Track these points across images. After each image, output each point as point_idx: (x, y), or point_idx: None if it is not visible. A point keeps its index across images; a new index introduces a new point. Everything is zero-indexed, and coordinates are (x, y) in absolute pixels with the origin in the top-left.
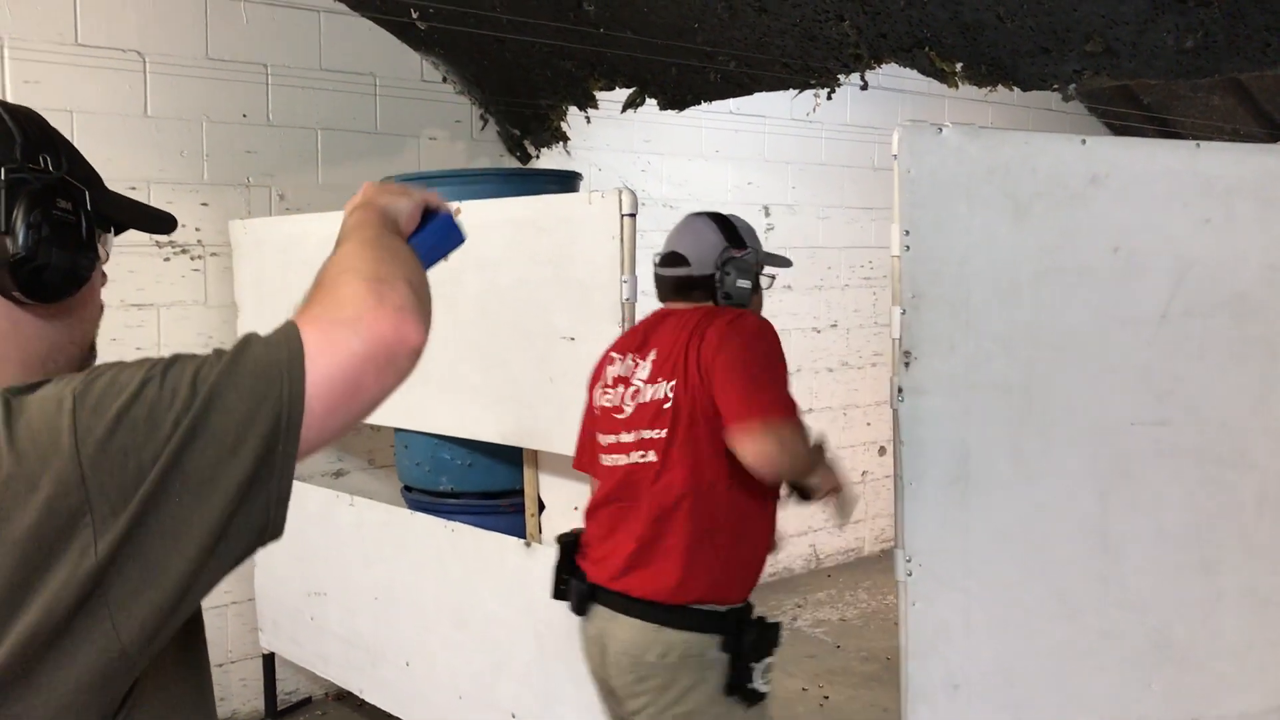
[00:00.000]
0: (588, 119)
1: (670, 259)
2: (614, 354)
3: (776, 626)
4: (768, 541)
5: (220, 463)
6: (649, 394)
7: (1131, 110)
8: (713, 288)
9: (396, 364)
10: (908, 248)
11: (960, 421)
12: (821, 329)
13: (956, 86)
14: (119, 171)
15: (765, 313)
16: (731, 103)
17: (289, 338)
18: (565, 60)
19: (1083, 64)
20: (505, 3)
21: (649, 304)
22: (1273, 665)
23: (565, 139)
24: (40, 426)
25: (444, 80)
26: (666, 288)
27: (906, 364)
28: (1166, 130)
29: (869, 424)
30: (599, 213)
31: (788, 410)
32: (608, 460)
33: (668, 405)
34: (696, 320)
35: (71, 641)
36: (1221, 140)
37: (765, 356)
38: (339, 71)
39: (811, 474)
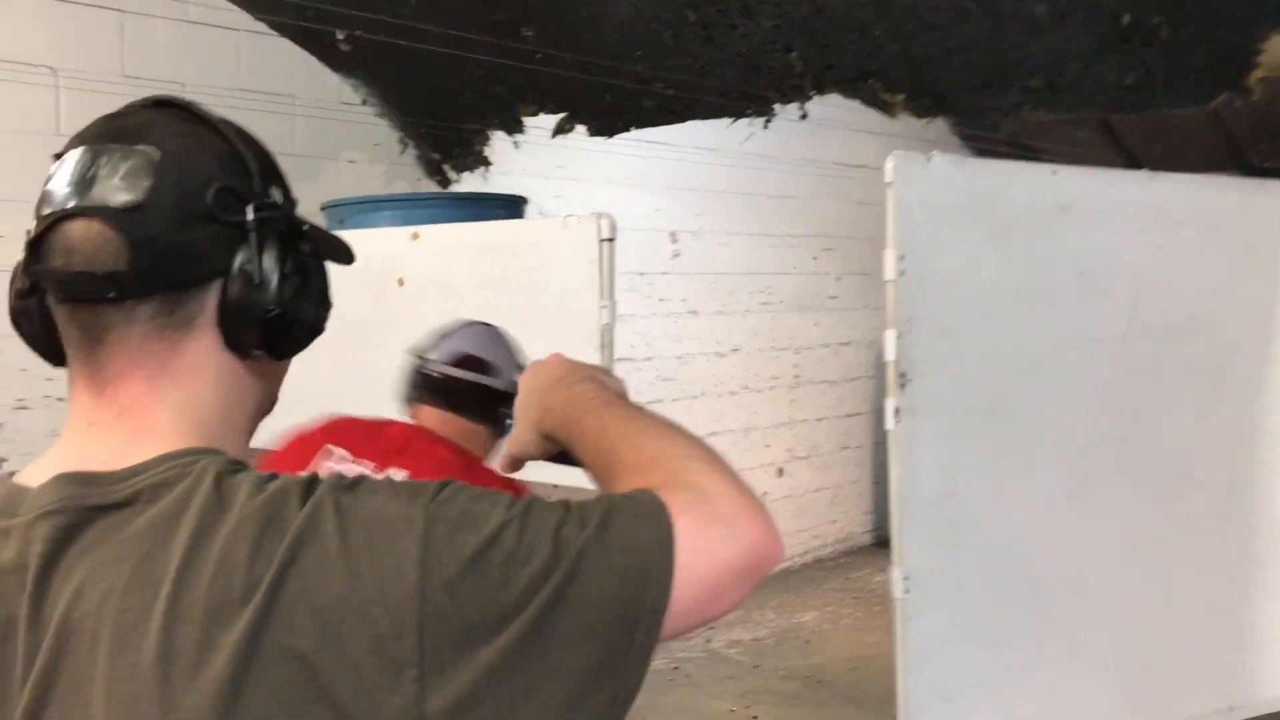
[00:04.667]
0: (516, 144)
1: (466, 361)
2: (333, 446)
3: None
4: None
5: (574, 642)
6: None
7: (998, 137)
8: (498, 415)
9: (756, 578)
10: (903, 272)
11: (948, 442)
12: (724, 353)
13: (896, 117)
14: (33, 192)
15: (669, 337)
16: (642, 130)
17: (656, 513)
18: (497, 84)
19: (1023, 98)
20: (442, 22)
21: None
22: (1218, 669)
23: (487, 164)
24: (381, 546)
25: (363, 102)
26: (452, 392)
27: (902, 385)
28: (1030, 157)
29: (768, 445)
30: (575, 238)
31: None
32: None
33: None
34: (465, 464)
35: None
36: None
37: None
38: (258, 92)
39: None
